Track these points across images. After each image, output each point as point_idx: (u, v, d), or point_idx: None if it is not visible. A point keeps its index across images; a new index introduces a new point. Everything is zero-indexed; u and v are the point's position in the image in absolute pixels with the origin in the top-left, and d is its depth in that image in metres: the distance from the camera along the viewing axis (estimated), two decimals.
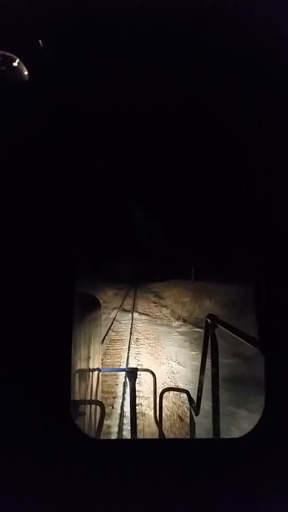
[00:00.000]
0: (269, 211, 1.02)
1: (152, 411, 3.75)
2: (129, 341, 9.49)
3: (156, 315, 14.27)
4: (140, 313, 15.07)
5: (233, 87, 1.05)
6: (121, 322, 12.81)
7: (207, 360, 1.99)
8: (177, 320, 12.40)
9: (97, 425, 1.88)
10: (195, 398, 2.36)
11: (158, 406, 2.82)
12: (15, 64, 0.97)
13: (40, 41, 0.97)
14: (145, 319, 13.23)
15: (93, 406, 1.93)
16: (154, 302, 19.35)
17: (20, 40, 0.97)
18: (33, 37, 0.97)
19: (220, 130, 1.25)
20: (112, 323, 12.22)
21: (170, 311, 15.08)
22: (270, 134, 1.01)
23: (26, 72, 0.98)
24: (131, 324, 12.11)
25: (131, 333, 10.69)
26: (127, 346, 8.77)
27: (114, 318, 13.33)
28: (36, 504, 0.86)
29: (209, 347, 1.94)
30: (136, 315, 14.51)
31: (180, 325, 11.54)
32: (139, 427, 3.75)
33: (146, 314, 14.71)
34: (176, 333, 10.51)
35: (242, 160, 1.21)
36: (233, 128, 1.16)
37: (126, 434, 4.28)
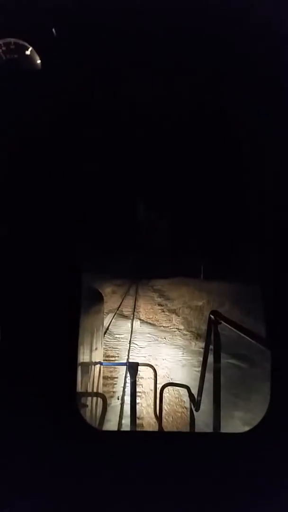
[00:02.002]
0: (276, 208, 1.02)
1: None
2: (123, 391, 5.52)
3: (164, 326, 10.47)
4: (142, 321, 11.31)
5: (235, 86, 1.06)
6: (116, 336, 9.04)
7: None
8: (196, 338, 8.58)
9: (98, 417, 1.88)
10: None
11: (159, 402, 2.83)
12: (28, 52, 0.99)
13: (53, 29, 0.97)
14: (149, 334, 9.41)
15: (94, 398, 1.90)
16: (159, 305, 15.61)
17: (33, 28, 0.98)
18: (47, 25, 0.97)
19: (224, 127, 1.24)
20: (103, 336, 8.46)
21: (182, 319, 11.30)
22: (274, 131, 1.01)
23: (38, 61, 1.00)
24: (129, 343, 8.30)
25: (127, 366, 6.88)
26: (119, 403, 4.90)
27: (107, 328, 9.58)
28: (41, 492, 0.86)
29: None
30: (137, 324, 10.75)
31: (203, 349, 7.68)
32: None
33: (150, 324, 10.94)
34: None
35: (249, 158, 1.20)
36: (238, 125, 1.16)
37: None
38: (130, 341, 8.21)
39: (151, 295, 19.63)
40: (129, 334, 9.11)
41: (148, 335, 9.27)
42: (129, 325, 10.38)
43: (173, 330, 9.89)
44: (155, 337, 8.97)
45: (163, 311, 13.84)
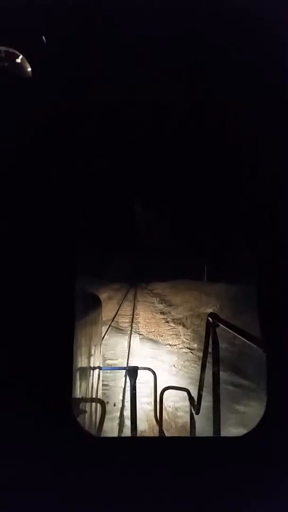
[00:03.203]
0: (272, 209, 1.03)
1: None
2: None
3: (171, 345, 8.20)
4: (142, 337, 9.07)
5: (234, 88, 1.07)
6: (108, 363, 6.74)
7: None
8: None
9: (97, 423, 1.91)
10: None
11: (159, 405, 2.84)
12: (18, 60, 0.99)
13: (43, 37, 0.98)
14: (151, 358, 7.12)
15: (93, 404, 1.92)
16: (161, 313, 13.42)
17: (23, 36, 0.99)
18: (37, 33, 0.98)
19: (222, 129, 1.26)
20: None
21: (192, 333, 9.07)
22: (273, 132, 1.02)
23: (29, 69, 1.00)
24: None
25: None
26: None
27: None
28: (37, 500, 0.88)
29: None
30: (136, 340, 8.51)
31: (237, 386, 5.33)
32: None
33: (153, 341, 8.69)
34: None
35: (246, 160, 1.22)
36: (236, 127, 1.18)
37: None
38: (126, 374, 5.93)
39: (151, 300, 17.45)
40: (125, 359, 6.84)
41: (151, 359, 6.99)
42: (126, 344, 8.11)
43: (184, 350, 7.62)
44: (160, 364, 6.67)
45: (167, 321, 11.63)
